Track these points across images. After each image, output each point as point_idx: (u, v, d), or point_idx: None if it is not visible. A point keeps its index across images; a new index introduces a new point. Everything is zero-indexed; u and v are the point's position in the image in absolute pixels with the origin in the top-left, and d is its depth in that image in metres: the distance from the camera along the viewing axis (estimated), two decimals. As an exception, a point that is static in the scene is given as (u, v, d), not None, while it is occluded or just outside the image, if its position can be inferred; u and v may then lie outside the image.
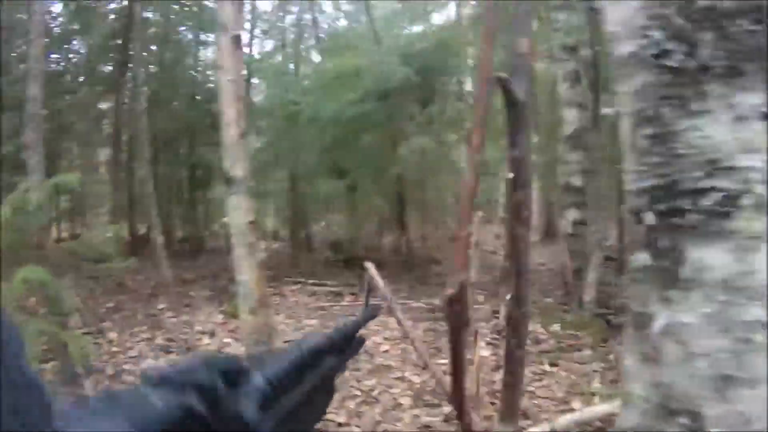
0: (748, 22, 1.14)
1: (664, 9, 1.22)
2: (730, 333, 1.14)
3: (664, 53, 1.22)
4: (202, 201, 15.97)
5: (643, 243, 1.28)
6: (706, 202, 1.14)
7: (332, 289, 9.39)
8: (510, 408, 2.63)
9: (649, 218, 1.25)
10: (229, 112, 3.97)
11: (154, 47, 14.82)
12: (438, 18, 13.55)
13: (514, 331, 2.55)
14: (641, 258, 1.29)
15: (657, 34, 1.22)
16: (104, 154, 16.05)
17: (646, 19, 1.26)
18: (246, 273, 3.87)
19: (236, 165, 3.91)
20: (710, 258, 1.15)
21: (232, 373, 0.58)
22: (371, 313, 1.06)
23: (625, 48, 1.33)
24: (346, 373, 5.30)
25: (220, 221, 13.29)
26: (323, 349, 0.80)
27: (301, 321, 7.35)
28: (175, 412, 0.47)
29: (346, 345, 0.93)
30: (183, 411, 0.48)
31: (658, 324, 1.25)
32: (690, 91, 1.19)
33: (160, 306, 8.18)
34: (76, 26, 13.61)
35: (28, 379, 0.33)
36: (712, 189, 1.12)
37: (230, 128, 3.95)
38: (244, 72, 12.62)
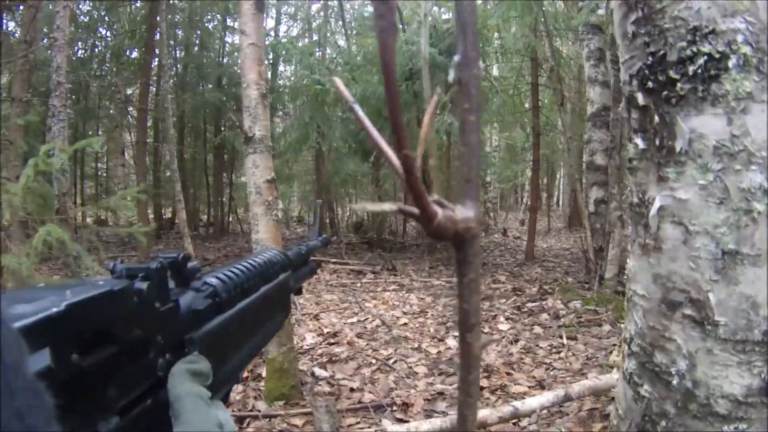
0: None
1: None
2: (728, 204, 1.09)
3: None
4: (226, 185, 16.07)
5: (637, 127, 1.25)
6: (693, 68, 1.10)
7: (354, 267, 9.47)
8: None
9: (641, 98, 1.21)
10: (250, 75, 3.99)
11: (180, 32, 14.97)
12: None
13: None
14: (637, 143, 1.25)
15: None
16: (129, 139, 16.22)
17: None
18: (263, 232, 3.87)
19: (256, 125, 3.93)
20: (702, 126, 1.11)
21: (183, 269, 0.60)
22: (326, 240, 1.14)
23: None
24: (362, 343, 5.26)
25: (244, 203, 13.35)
26: (277, 263, 0.84)
27: (321, 296, 7.37)
28: (120, 292, 0.46)
29: (300, 264, 0.98)
30: (129, 293, 0.48)
31: (655, 207, 1.21)
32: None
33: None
34: (102, 12, 13.80)
35: (28, 383, 0.33)
36: (697, 54, 1.09)
37: (250, 89, 3.97)
38: (270, 55, 12.75)
